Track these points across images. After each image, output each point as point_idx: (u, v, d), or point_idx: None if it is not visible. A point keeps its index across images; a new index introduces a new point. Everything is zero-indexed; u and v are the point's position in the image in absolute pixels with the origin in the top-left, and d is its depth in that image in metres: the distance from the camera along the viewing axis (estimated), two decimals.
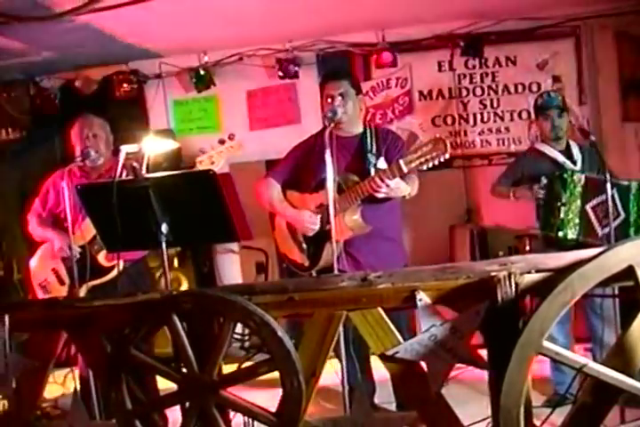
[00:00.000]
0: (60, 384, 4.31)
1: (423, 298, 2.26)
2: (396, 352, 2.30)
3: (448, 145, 3.18)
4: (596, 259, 2.04)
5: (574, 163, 4.03)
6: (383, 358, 2.33)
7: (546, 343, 2.06)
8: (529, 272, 2.21)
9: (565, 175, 3.81)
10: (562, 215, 3.78)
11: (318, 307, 2.37)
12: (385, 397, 3.74)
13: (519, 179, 4.19)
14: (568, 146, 4.10)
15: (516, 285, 2.17)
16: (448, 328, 2.24)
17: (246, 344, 5.77)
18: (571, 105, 5.24)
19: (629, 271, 2.02)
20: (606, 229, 3.72)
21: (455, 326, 2.24)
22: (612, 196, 3.67)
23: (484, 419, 2.42)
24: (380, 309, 2.33)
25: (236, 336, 5.77)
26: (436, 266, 2.36)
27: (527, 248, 4.44)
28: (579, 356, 2.11)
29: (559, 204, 3.79)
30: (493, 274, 2.19)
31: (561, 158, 4.05)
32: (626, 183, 3.86)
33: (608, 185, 3.56)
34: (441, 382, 2.29)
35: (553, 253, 2.35)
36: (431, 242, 5.76)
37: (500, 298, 2.16)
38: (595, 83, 5.59)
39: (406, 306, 2.31)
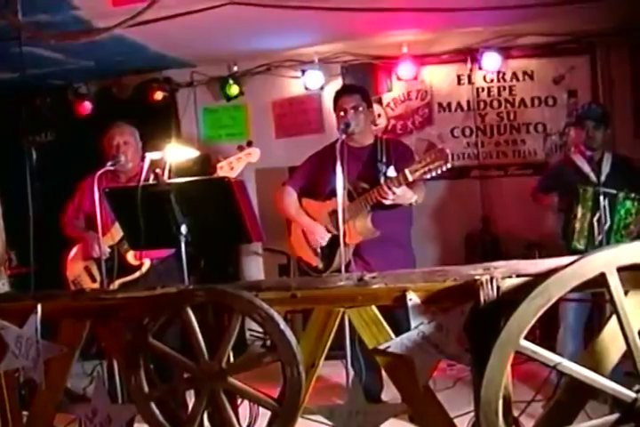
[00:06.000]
0: (89, 375, 4.53)
1: (413, 298, 2.43)
2: (388, 347, 2.47)
3: (449, 156, 3.31)
4: (572, 265, 2.17)
5: (600, 175, 4.02)
6: (376, 352, 2.50)
7: (523, 342, 2.19)
8: (510, 277, 2.37)
9: (580, 189, 3.89)
10: (574, 227, 3.89)
11: (318, 304, 2.54)
12: (392, 394, 3.91)
13: (551, 186, 4.31)
14: (601, 158, 4.11)
15: (498, 288, 2.32)
16: (435, 326, 2.41)
17: (268, 343, 5.96)
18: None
19: (602, 278, 2.15)
20: (600, 237, 3.83)
21: (441, 324, 2.40)
22: (604, 206, 3.79)
23: (468, 412, 2.58)
24: (374, 307, 2.50)
25: (258, 335, 5.99)
26: (427, 269, 2.56)
27: (537, 257, 4.58)
28: (553, 354, 2.28)
29: (572, 216, 3.90)
30: (477, 278, 2.35)
31: (586, 169, 4.09)
32: (614, 192, 3.87)
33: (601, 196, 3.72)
34: (428, 375, 2.46)
35: (534, 260, 2.53)
36: (448, 249, 5.92)
37: (482, 299, 2.32)
38: (610, 98, 5.61)
39: (398, 305, 2.46)
